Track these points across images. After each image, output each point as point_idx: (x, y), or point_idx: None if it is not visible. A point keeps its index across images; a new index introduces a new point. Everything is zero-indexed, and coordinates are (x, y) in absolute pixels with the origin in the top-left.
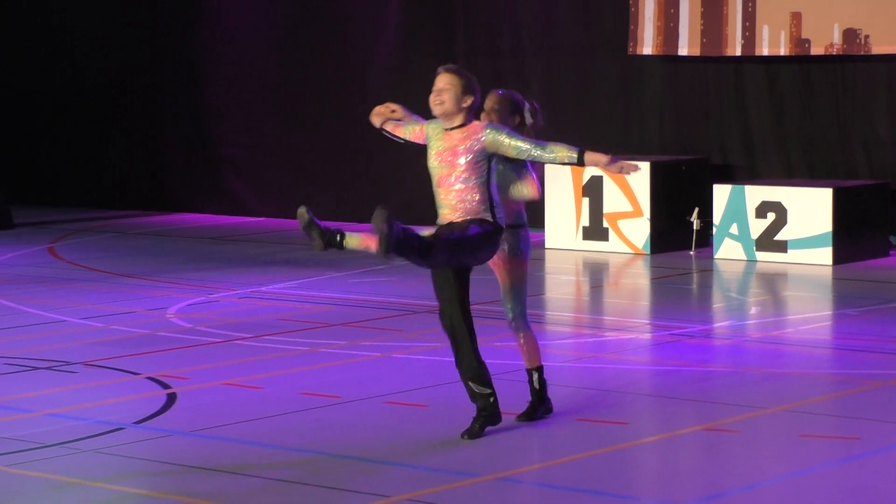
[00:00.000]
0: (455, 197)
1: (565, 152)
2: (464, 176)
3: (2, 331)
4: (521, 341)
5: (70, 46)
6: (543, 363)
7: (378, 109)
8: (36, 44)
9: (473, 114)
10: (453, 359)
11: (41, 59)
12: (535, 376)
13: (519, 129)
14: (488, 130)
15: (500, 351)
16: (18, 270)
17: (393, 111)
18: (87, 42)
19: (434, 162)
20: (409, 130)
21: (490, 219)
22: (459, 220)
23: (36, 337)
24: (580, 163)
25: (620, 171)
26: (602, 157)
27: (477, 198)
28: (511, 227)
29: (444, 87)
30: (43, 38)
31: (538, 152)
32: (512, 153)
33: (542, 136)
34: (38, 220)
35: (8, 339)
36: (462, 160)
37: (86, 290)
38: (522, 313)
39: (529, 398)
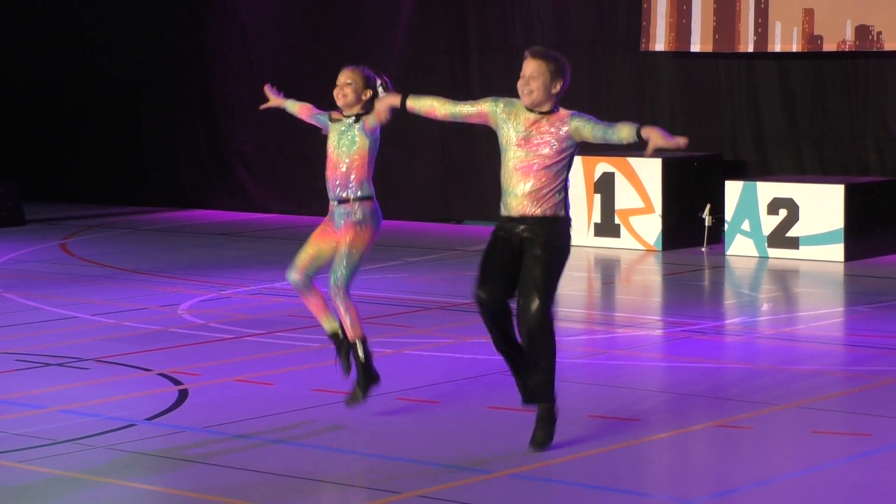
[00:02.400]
0: (533, 186)
1: (627, 131)
2: (547, 165)
3: (14, 327)
4: (342, 310)
5: (82, 43)
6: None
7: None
8: (47, 40)
9: (559, 98)
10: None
11: (53, 56)
12: (360, 346)
13: (368, 104)
14: (572, 118)
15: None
16: (30, 267)
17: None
18: (98, 38)
19: (512, 145)
20: (458, 112)
21: (562, 215)
22: (534, 212)
23: (48, 333)
24: (638, 138)
25: (677, 146)
26: (656, 133)
27: (555, 189)
28: (362, 199)
29: (533, 75)
30: (54, 35)
31: (609, 133)
32: (589, 137)
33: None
34: (49, 216)
35: (20, 335)
36: (547, 149)
37: (97, 287)
38: (347, 279)
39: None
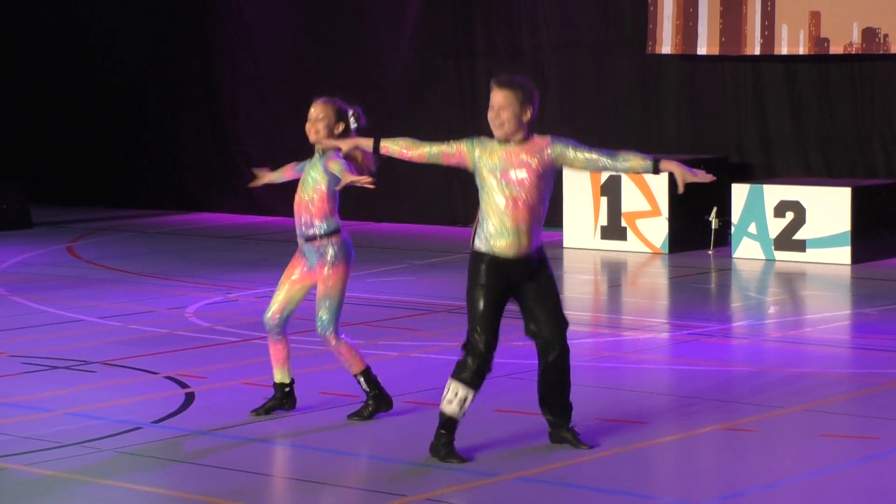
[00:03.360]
0: (526, 220)
1: (639, 161)
2: (536, 194)
3: (21, 330)
4: (336, 353)
5: (88, 45)
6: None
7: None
8: (54, 43)
9: (530, 125)
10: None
11: (60, 59)
12: (362, 380)
13: (344, 135)
14: (554, 144)
15: (517, 351)
16: (37, 270)
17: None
18: (105, 41)
19: (495, 184)
20: (435, 153)
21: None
22: (530, 252)
23: (55, 336)
24: (655, 171)
25: (704, 181)
26: (679, 170)
27: (541, 222)
28: (329, 234)
29: (503, 105)
30: (61, 38)
31: (610, 162)
32: (579, 166)
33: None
34: (56, 219)
35: (27, 338)
36: (529, 179)
37: (104, 290)
38: (333, 322)
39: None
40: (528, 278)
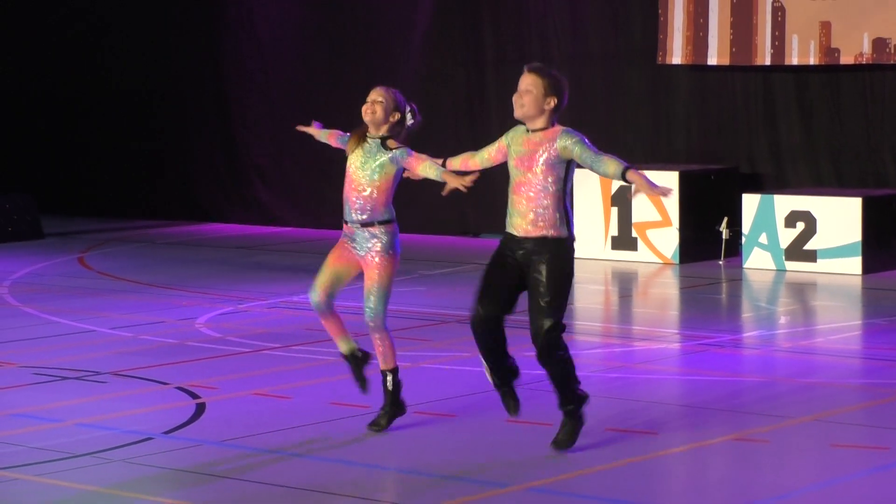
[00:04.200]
0: (528, 205)
1: (614, 167)
2: (539, 182)
3: (31, 341)
4: (378, 342)
5: (99, 56)
6: (577, 372)
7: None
8: (64, 53)
9: (558, 116)
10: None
11: (70, 70)
12: (390, 378)
13: (399, 126)
14: (562, 136)
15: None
16: (48, 280)
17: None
18: (115, 51)
19: (512, 165)
20: (485, 157)
21: (565, 234)
22: (535, 233)
23: (65, 347)
24: (623, 179)
25: (661, 195)
26: (641, 181)
27: (551, 207)
28: (383, 222)
29: (527, 88)
30: (71, 47)
31: (596, 164)
32: (578, 159)
33: (416, 136)
34: (67, 230)
35: (38, 349)
36: (538, 165)
37: (115, 300)
38: (382, 314)
39: (382, 403)
40: (531, 265)
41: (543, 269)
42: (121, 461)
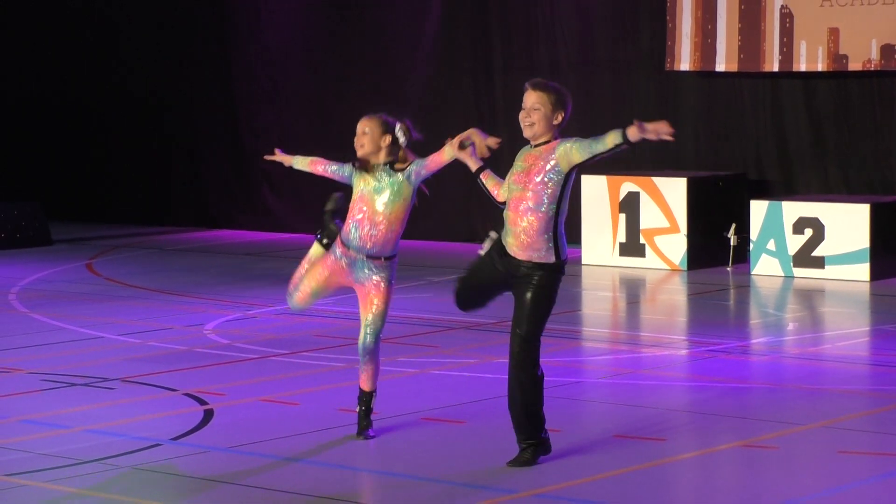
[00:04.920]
0: (521, 224)
1: (612, 136)
2: (535, 199)
3: (40, 347)
4: (371, 365)
5: (108, 63)
6: (581, 379)
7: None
8: (73, 59)
9: (559, 129)
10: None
11: (79, 77)
12: (374, 400)
13: (393, 148)
14: (559, 145)
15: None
16: (57, 287)
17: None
18: (124, 57)
19: (512, 181)
20: (508, 180)
21: (552, 259)
22: (523, 258)
23: (74, 353)
24: (626, 141)
25: (658, 137)
26: (641, 132)
27: (542, 231)
28: (390, 258)
29: (535, 106)
30: (81, 54)
31: (595, 145)
32: (578, 158)
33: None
34: (75, 236)
35: (46, 355)
36: (534, 181)
37: (123, 307)
38: (379, 341)
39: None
40: (518, 284)
41: (528, 295)
42: (129, 467)
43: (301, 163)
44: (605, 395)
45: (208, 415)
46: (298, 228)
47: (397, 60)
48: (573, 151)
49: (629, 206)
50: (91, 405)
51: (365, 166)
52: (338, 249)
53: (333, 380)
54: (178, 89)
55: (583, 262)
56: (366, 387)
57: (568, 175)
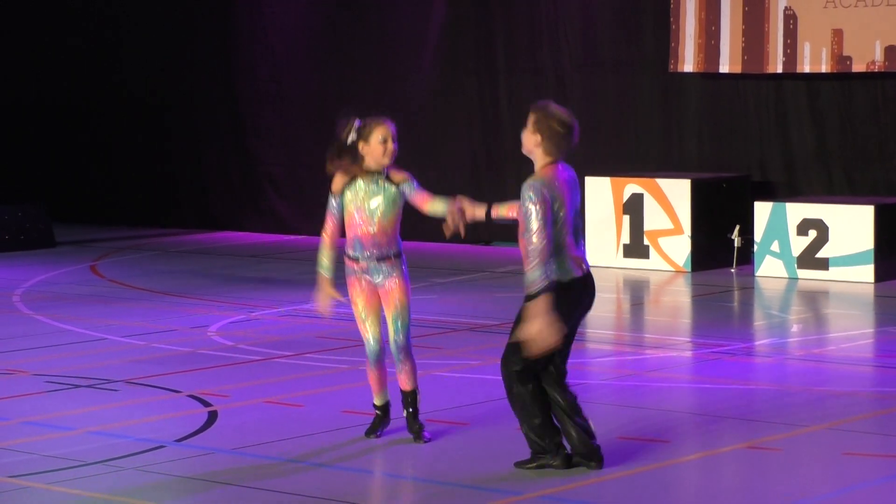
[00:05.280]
0: (523, 247)
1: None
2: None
3: (44, 349)
4: (408, 363)
5: (111, 65)
6: (585, 381)
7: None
8: (77, 62)
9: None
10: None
11: (83, 77)
12: (418, 398)
13: (354, 152)
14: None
15: None
16: (60, 289)
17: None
18: (128, 60)
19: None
20: None
21: (533, 291)
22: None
23: (78, 355)
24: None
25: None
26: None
27: (529, 261)
28: (398, 254)
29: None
30: (84, 57)
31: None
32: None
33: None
34: (79, 238)
35: (50, 357)
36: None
37: (127, 308)
38: (409, 339)
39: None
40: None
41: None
42: (133, 469)
43: (328, 255)
44: (609, 396)
45: (212, 416)
46: (302, 230)
47: (400, 62)
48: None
49: (633, 207)
50: (95, 407)
51: (352, 172)
52: (347, 267)
53: (337, 381)
54: (181, 91)
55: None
56: (408, 386)
57: (528, 207)
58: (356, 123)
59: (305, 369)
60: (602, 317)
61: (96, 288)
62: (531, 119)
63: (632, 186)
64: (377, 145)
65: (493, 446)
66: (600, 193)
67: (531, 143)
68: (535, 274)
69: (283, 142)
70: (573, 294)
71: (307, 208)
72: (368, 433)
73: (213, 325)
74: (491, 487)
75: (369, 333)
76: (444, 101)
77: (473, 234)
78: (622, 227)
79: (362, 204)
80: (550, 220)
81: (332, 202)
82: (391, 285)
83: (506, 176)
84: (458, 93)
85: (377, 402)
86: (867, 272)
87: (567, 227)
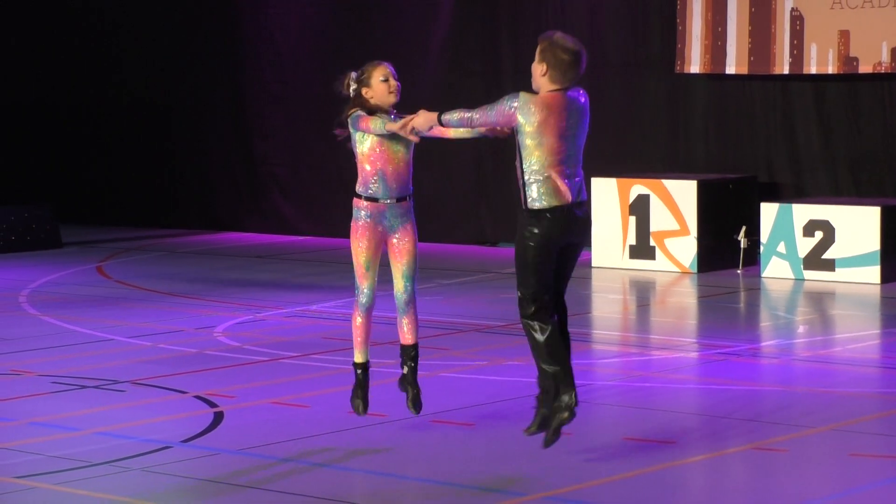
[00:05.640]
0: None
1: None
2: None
3: (51, 349)
4: (413, 316)
5: (117, 65)
6: (591, 381)
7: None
8: (83, 62)
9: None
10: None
11: (88, 78)
12: (414, 353)
13: (361, 98)
14: None
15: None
16: (67, 289)
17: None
18: (134, 60)
19: None
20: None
21: (522, 205)
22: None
23: (84, 356)
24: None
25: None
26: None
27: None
28: (411, 195)
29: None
30: (90, 57)
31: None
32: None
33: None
34: (86, 239)
35: (56, 357)
36: None
37: (133, 309)
38: (415, 290)
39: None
40: None
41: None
42: (139, 470)
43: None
44: (615, 397)
45: (218, 417)
46: (308, 231)
47: (406, 63)
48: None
49: (639, 208)
50: (101, 407)
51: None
52: (362, 211)
53: (344, 382)
54: (187, 92)
55: (592, 264)
56: (411, 340)
57: (514, 131)
58: (353, 75)
59: (312, 370)
60: (608, 318)
61: (103, 289)
62: (538, 49)
63: (638, 187)
64: (380, 85)
65: (499, 447)
66: (606, 194)
67: (537, 72)
68: (450, 113)
69: (288, 143)
70: (557, 222)
71: (312, 209)
72: (355, 400)
73: (220, 325)
74: (497, 488)
75: (367, 283)
76: (449, 103)
77: (479, 236)
78: (628, 227)
79: (384, 140)
80: (495, 117)
81: (375, 120)
82: (402, 233)
83: (511, 178)
84: (464, 94)
85: (361, 358)
86: (874, 273)
87: (558, 154)
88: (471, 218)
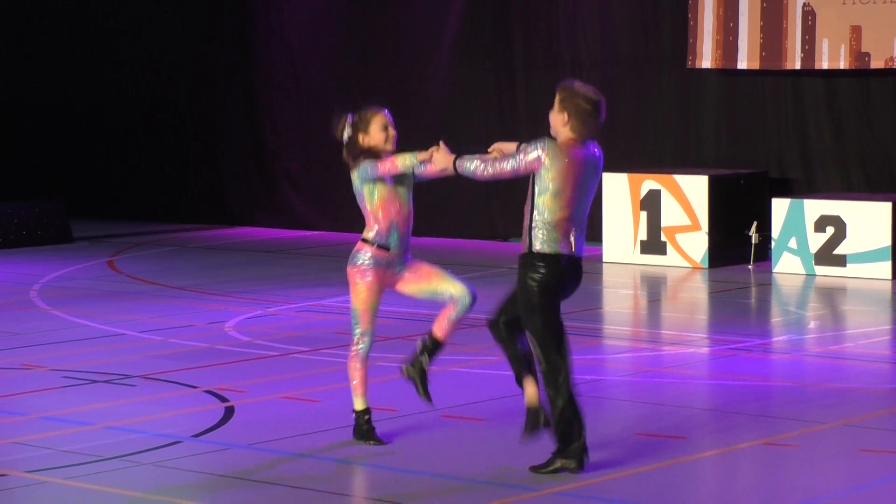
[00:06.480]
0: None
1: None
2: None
3: (62, 344)
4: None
5: (129, 62)
6: (602, 377)
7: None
8: (95, 58)
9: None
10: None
11: (101, 74)
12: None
13: (357, 144)
14: None
15: None
16: (78, 284)
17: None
18: (146, 56)
19: None
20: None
21: (525, 249)
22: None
23: (95, 350)
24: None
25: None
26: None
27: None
28: (408, 247)
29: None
30: (103, 53)
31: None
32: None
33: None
34: (97, 233)
35: (67, 352)
36: None
37: (145, 304)
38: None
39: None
40: None
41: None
42: (150, 464)
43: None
44: (626, 392)
45: (229, 412)
46: (319, 226)
47: (418, 58)
48: None
49: (650, 203)
50: (112, 402)
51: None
52: (369, 254)
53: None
54: (199, 88)
55: (604, 259)
56: (445, 336)
57: (534, 177)
58: (348, 119)
59: (322, 365)
60: (619, 313)
61: (114, 283)
62: (557, 98)
63: (649, 182)
64: (379, 133)
65: (509, 442)
66: (618, 190)
67: (558, 122)
68: (469, 161)
69: (300, 138)
70: (559, 269)
71: (323, 204)
72: (369, 439)
73: (230, 320)
74: (507, 483)
75: (370, 328)
76: (461, 98)
77: (491, 231)
78: (639, 223)
79: (393, 188)
80: (515, 168)
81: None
82: (413, 264)
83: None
84: (476, 89)
85: (361, 405)
86: (885, 269)
87: (569, 207)
88: (482, 213)
